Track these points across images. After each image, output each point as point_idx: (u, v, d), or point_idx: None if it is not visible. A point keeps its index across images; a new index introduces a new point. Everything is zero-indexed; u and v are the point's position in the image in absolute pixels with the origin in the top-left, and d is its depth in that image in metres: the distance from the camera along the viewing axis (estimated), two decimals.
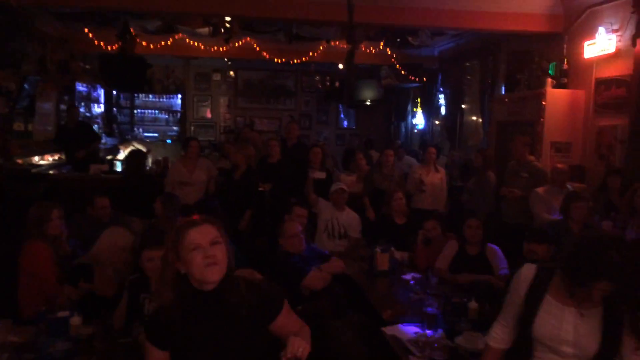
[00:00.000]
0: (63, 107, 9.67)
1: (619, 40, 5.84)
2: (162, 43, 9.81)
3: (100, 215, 4.96)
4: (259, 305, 2.11)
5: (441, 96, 10.83)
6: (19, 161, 7.72)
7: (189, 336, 2.03)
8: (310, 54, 10.45)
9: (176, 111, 13.09)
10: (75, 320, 2.78)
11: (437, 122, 11.16)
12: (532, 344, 2.26)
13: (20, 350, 2.75)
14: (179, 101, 13.04)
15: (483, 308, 3.34)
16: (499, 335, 2.40)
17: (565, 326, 2.16)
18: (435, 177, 6.78)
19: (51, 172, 7.91)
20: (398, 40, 9.70)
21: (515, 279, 2.33)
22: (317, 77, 13.54)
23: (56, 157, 8.76)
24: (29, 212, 4.20)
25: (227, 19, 8.23)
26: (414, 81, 11.10)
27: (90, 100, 10.92)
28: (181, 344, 2.02)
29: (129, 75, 10.87)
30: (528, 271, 2.29)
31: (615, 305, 2.10)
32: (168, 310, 2.04)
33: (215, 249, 2.02)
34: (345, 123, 14.05)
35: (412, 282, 4.19)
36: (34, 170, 7.62)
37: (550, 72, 6.75)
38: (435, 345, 2.87)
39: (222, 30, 8.90)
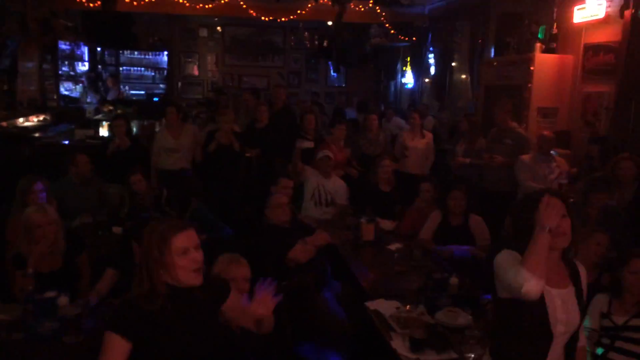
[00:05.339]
0: (46, 66, 9.48)
1: (609, 6, 5.76)
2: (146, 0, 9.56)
3: (82, 172, 5.07)
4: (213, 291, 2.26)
5: (431, 55, 10.71)
6: (4, 123, 7.61)
7: (160, 328, 2.07)
8: (298, 12, 10.22)
9: (163, 68, 12.87)
10: (62, 300, 2.82)
11: (426, 81, 11.08)
12: None
13: (8, 330, 2.80)
14: (165, 58, 12.81)
15: (463, 283, 3.40)
16: None
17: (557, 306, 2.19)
18: (420, 143, 6.72)
19: (36, 134, 7.83)
20: None
21: None
22: (306, 34, 13.31)
23: (41, 118, 8.65)
24: (17, 185, 4.20)
25: None
26: (404, 40, 10.96)
27: (74, 58, 10.69)
28: (149, 335, 2.06)
29: (113, 31, 10.66)
30: None
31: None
32: (142, 300, 2.07)
33: (199, 254, 2.11)
34: (335, 81, 13.90)
35: (395, 255, 4.24)
36: (18, 133, 7.53)
37: (539, 35, 6.67)
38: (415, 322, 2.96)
39: None
